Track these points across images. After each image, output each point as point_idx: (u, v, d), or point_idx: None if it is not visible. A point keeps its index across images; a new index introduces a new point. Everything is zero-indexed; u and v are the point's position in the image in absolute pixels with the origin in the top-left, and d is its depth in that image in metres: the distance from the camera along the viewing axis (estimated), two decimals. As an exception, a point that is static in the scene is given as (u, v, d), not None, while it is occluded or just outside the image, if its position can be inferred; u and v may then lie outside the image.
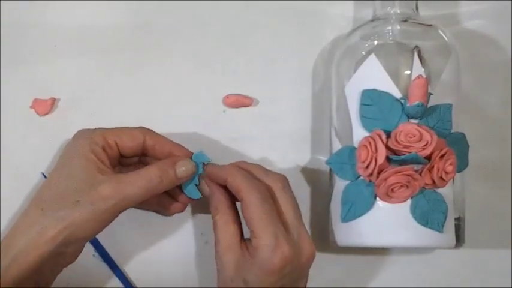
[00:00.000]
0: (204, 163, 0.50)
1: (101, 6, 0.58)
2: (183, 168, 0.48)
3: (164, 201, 0.52)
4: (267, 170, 0.49)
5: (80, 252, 0.49)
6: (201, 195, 0.50)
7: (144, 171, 0.47)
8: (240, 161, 0.50)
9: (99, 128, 0.49)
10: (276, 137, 0.56)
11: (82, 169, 0.46)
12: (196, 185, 0.50)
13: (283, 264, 0.45)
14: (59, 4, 0.58)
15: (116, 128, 0.50)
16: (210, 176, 0.49)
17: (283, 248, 0.45)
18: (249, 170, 0.48)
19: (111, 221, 0.46)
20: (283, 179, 0.48)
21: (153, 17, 0.57)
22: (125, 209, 0.47)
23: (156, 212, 0.54)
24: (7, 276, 0.44)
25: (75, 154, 0.47)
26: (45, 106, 0.56)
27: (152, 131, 0.50)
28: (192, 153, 0.50)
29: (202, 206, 0.55)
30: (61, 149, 0.55)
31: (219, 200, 0.48)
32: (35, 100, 0.56)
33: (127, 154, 0.50)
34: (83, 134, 0.49)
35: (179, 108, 0.56)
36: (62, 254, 0.46)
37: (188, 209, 0.55)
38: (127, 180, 0.46)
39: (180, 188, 0.51)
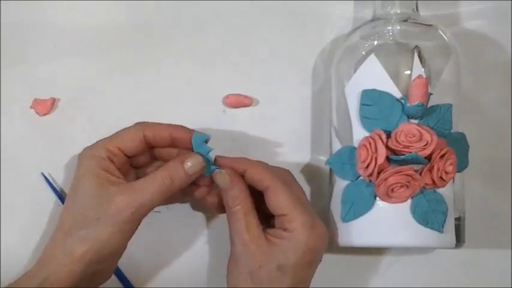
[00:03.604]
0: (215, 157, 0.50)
1: (101, 6, 0.58)
2: (189, 164, 0.48)
3: (187, 190, 0.51)
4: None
5: (114, 267, 0.49)
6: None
7: (154, 175, 0.47)
8: (243, 157, 0.51)
9: (99, 141, 0.49)
10: (276, 137, 0.56)
11: (94, 186, 0.46)
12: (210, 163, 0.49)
13: (321, 242, 0.47)
14: (59, 4, 0.58)
15: (113, 134, 0.49)
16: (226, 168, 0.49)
17: (319, 227, 0.47)
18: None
19: (133, 231, 0.47)
20: (289, 171, 0.51)
21: (153, 17, 0.58)
22: (144, 216, 0.47)
23: (184, 202, 0.55)
24: None
25: (84, 174, 0.47)
26: (45, 106, 0.56)
27: (147, 122, 0.50)
28: (192, 131, 0.49)
29: (202, 205, 0.55)
30: (62, 149, 0.55)
31: (241, 190, 0.48)
32: (35, 100, 0.56)
33: (134, 154, 0.49)
34: (86, 153, 0.48)
35: (179, 108, 0.56)
36: (95, 273, 0.46)
37: (188, 208, 0.55)
38: (139, 188, 0.46)
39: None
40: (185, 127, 0.50)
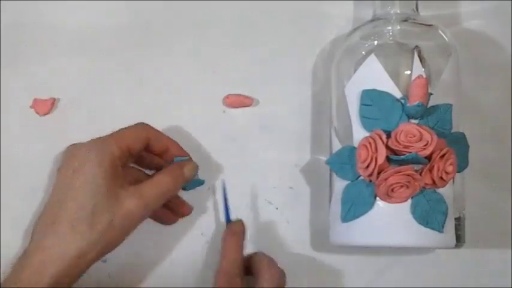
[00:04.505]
0: None
1: (101, 6, 0.58)
2: (189, 168, 0.51)
3: (162, 213, 0.53)
4: None
5: None
6: (203, 181, 0.54)
7: (159, 179, 0.49)
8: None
9: (110, 137, 0.48)
10: (276, 137, 0.56)
11: (104, 185, 0.46)
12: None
13: None
14: (59, 4, 0.58)
15: (119, 131, 0.49)
16: None
17: None
18: None
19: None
20: None
21: (153, 17, 0.58)
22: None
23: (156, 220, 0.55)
24: None
25: (96, 168, 0.46)
26: (45, 106, 0.56)
27: (150, 125, 0.50)
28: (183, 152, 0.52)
29: (202, 205, 0.55)
30: (62, 149, 0.54)
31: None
32: (35, 100, 0.56)
33: (135, 154, 0.50)
34: (97, 146, 0.47)
35: (179, 108, 0.56)
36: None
37: (188, 209, 0.55)
38: (147, 192, 0.47)
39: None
40: (179, 145, 0.52)
